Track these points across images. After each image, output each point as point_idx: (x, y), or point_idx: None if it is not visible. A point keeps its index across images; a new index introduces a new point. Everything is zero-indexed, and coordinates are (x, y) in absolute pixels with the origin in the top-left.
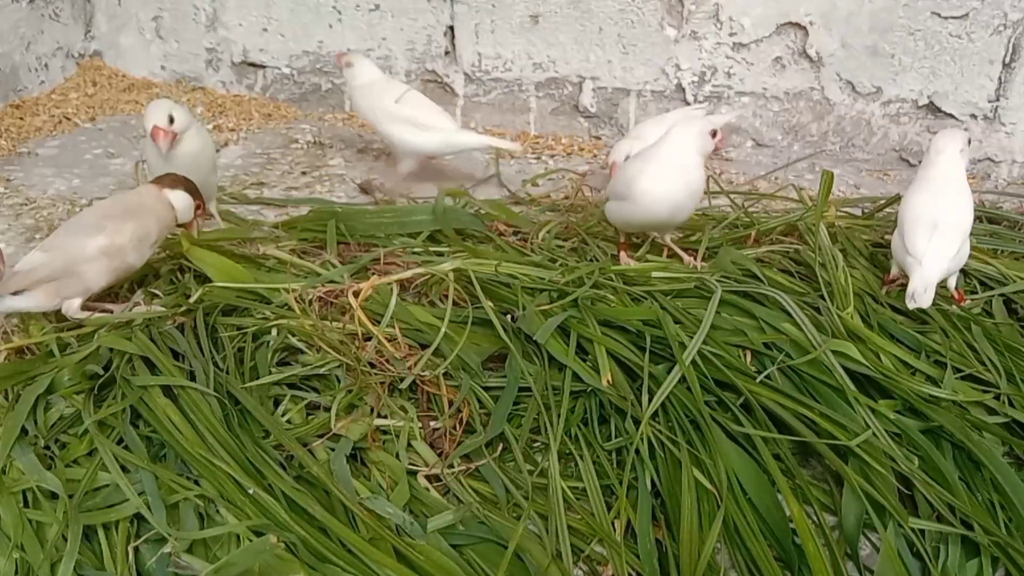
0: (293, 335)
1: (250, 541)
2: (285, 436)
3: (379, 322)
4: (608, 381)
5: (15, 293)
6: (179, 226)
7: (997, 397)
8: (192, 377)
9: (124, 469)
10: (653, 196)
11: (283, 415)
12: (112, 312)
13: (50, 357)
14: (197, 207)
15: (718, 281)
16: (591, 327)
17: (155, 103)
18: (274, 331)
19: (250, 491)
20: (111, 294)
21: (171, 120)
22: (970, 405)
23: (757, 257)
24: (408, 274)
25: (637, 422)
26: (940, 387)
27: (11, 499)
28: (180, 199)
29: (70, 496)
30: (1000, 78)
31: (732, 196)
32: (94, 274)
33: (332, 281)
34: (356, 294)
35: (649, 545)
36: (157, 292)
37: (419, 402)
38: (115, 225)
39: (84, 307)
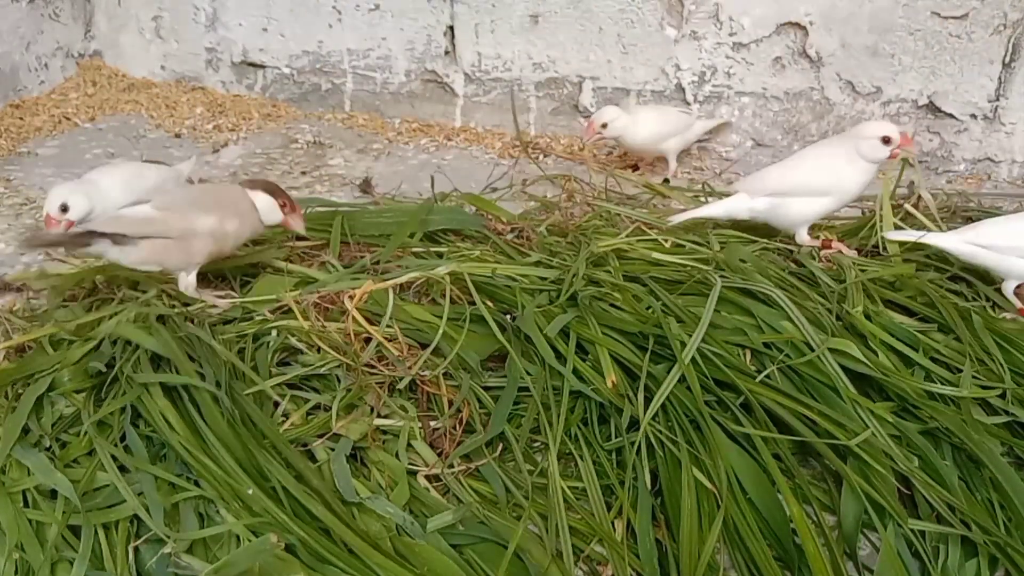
0: (293, 335)
1: (249, 542)
2: (286, 447)
3: (378, 323)
4: (612, 383)
5: (115, 243)
6: (276, 226)
7: (1003, 395)
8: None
9: (124, 469)
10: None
11: (283, 415)
12: (218, 305)
13: (48, 354)
14: (283, 205)
15: (720, 276)
16: (592, 328)
17: (54, 189)
18: (273, 332)
19: (249, 491)
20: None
21: (64, 209)
22: (970, 404)
23: (755, 256)
24: (404, 278)
25: (637, 422)
26: (940, 385)
27: (10, 499)
28: (262, 201)
29: (83, 495)
30: (1000, 78)
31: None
32: (198, 250)
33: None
34: (352, 297)
35: (649, 545)
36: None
37: (419, 402)
38: (225, 212)
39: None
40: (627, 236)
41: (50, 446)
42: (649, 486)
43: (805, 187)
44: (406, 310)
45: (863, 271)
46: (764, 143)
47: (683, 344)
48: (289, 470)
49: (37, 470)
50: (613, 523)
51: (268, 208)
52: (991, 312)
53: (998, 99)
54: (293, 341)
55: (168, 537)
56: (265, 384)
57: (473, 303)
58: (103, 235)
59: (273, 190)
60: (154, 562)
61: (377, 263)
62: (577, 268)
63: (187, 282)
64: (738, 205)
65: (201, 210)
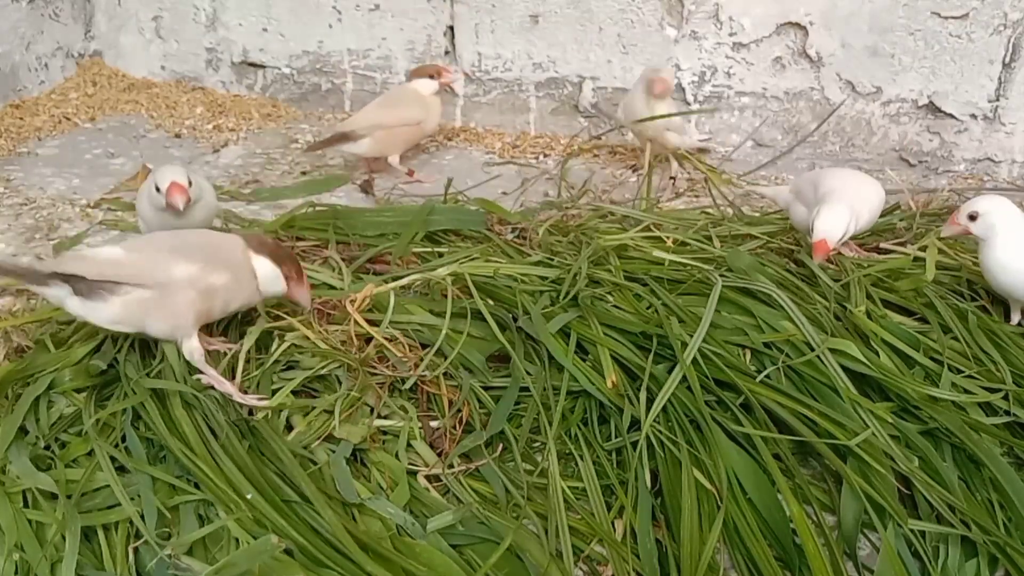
0: (296, 346)
1: (248, 544)
2: (290, 460)
3: (379, 324)
4: (612, 383)
5: (77, 293)
6: (289, 299)
7: (1005, 396)
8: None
9: (124, 470)
10: None
11: (286, 421)
12: (227, 388)
13: (49, 353)
14: (288, 276)
15: (720, 276)
16: (593, 328)
17: (170, 168)
18: (276, 339)
19: (248, 496)
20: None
21: (189, 183)
22: (969, 405)
23: (756, 256)
24: (404, 281)
25: (637, 422)
26: (939, 389)
27: (10, 499)
28: (263, 268)
29: (68, 496)
30: (1000, 78)
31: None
32: (183, 309)
33: (330, 286)
34: (354, 301)
35: (649, 545)
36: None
37: (419, 402)
38: (211, 262)
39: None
40: (632, 233)
41: (49, 446)
42: (649, 486)
43: (800, 194)
44: (407, 310)
45: (862, 266)
46: (764, 143)
47: (684, 344)
48: (288, 482)
49: (21, 472)
50: (613, 523)
51: (270, 278)
52: (990, 313)
53: (998, 99)
54: (295, 350)
55: (160, 545)
56: (256, 413)
57: (474, 303)
58: (63, 279)
59: (280, 257)
60: (154, 563)
61: (376, 261)
62: (578, 267)
63: (190, 347)
64: (779, 192)
65: (181, 256)
